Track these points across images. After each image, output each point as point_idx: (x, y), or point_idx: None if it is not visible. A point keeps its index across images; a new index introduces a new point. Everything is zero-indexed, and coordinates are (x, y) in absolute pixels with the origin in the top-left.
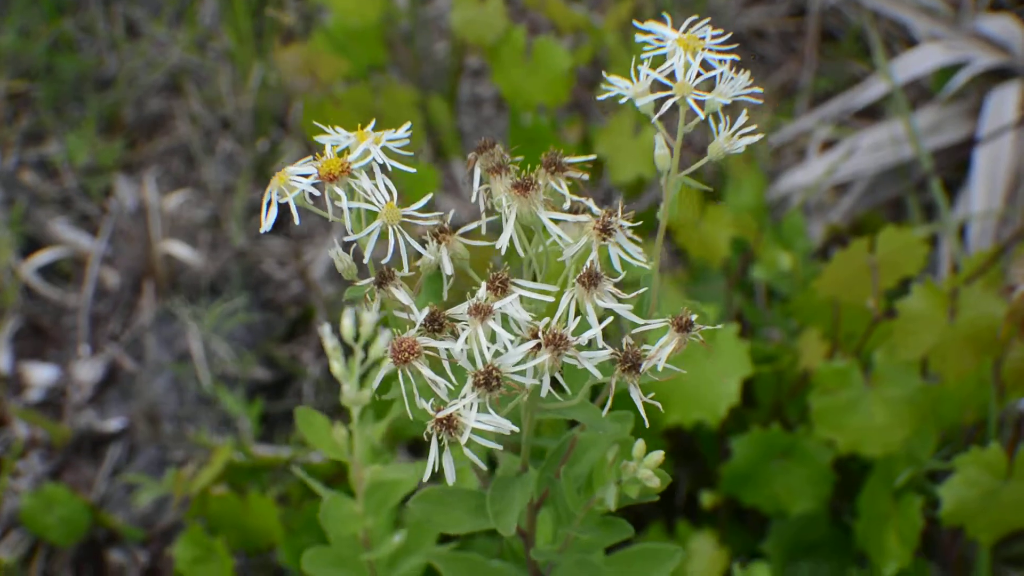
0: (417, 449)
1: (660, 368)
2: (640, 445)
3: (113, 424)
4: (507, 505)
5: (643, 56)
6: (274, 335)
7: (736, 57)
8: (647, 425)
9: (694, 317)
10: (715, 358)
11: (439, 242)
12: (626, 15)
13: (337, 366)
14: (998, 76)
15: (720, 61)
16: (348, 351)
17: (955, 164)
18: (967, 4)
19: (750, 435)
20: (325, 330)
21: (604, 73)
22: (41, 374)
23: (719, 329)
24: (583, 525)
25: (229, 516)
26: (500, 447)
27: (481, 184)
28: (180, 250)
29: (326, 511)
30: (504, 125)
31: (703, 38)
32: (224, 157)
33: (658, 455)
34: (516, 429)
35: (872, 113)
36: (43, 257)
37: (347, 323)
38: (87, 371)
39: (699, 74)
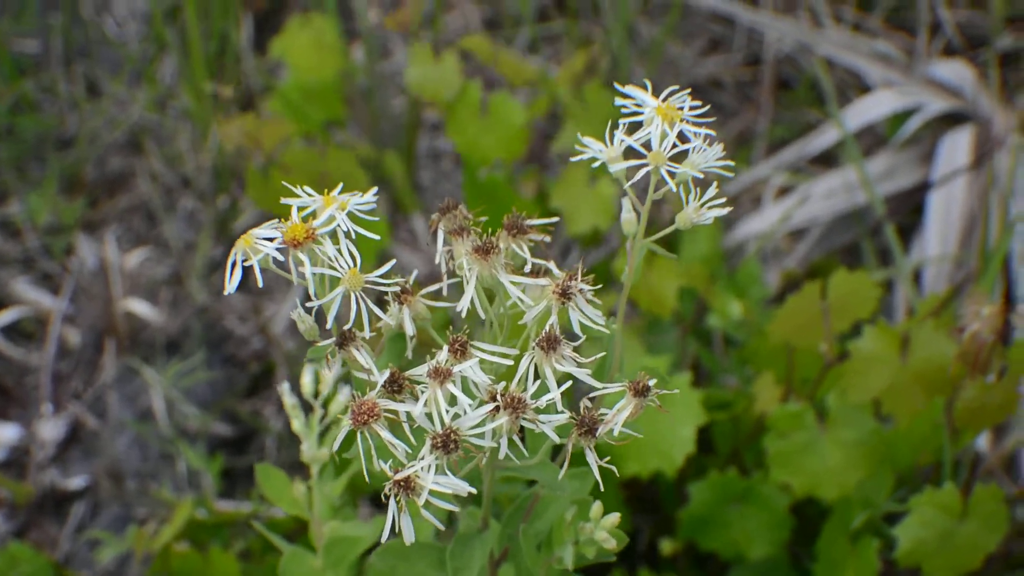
0: (378, 502)
1: (616, 433)
2: (597, 507)
3: (76, 482)
4: (467, 562)
5: (621, 120)
6: (236, 390)
7: (712, 133)
8: (602, 488)
9: (652, 382)
10: (669, 408)
11: (401, 303)
12: (580, 68)
13: (297, 423)
14: (951, 121)
15: (696, 134)
16: (308, 408)
17: (909, 209)
18: (920, 50)
19: (707, 481)
20: (284, 388)
21: (561, 126)
22: (4, 433)
23: (673, 379)
24: None
25: (191, 572)
26: (457, 508)
27: (444, 246)
28: (141, 308)
29: (286, 566)
30: (461, 177)
31: (681, 108)
32: (185, 214)
33: (614, 517)
34: (473, 491)
35: (827, 159)
36: (5, 317)
37: (307, 380)
38: (50, 430)
39: (674, 144)
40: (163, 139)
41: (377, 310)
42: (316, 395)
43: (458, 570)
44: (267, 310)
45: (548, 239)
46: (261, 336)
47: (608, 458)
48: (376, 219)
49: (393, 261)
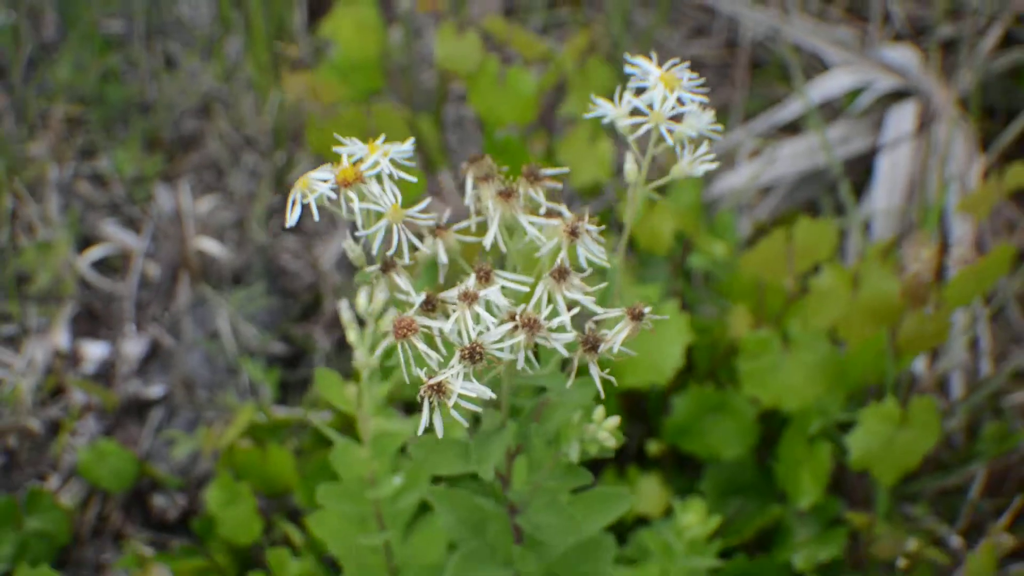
0: (410, 408)
1: (615, 351)
2: (600, 411)
3: (155, 391)
4: (487, 454)
5: (628, 85)
6: (290, 316)
7: (705, 99)
8: (603, 397)
9: (647, 309)
10: (661, 329)
11: (436, 237)
12: (583, 46)
13: (352, 335)
14: (898, 96)
15: (692, 100)
16: (361, 324)
17: (861, 170)
18: (873, 35)
19: (688, 394)
20: (343, 304)
21: (566, 96)
22: (94, 350)
23: (663, 305)
24: (551, 473)
25: (252, 466)
26: (480, 410)
27: (473, 190)
28: (210, 246)
29: (337, 454)
30: (482, 140)
31: (680, 78)
32: (247, 169)
33: (614, 420)
34: (494, 396)
35: (792, 128)
36: (95, 253)
37: (362, 300)
38: (133, 347)
39: (673, 107)
40: (229, 105)
41: (415, 240)
42: (368, 313)
43: (480, 460)
44: (317, 249)
45: (559, 186)
46: (312, 271)
47: (609, 370)
48: (413, 166)
49: (429, 199)
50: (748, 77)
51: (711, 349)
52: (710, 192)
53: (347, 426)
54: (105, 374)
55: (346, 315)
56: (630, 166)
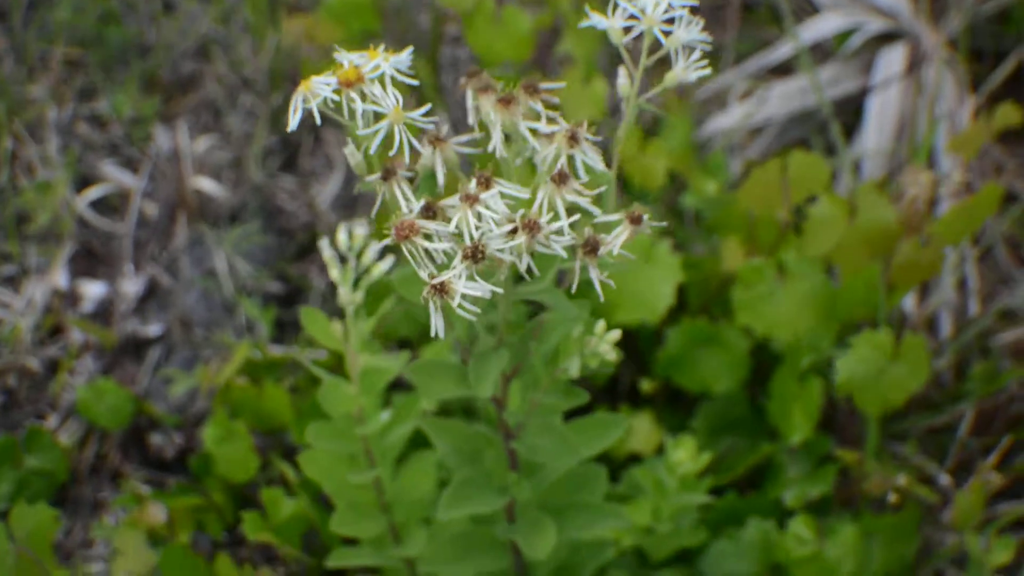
0: (404, 347)
1: (615, 252)
2: (602, 324)
3: (153, 330)
4: (485, 374)
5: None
6: (286, 255)
7: (695, 2)
8: (602, 299)
9: (645, 215)
10: (653, 268)
11: (434, 147)
12: None
13: (334, 272)
14: (888, 38)
15: (682, 6)
16: (343, 261)
17: (852, 111)
18: None
19: (680, 326)
20: (323, 243)
21: (561, 36)
22: (93, 289)
23: (656, 245)
24: (548, 391)
25: (248, 403)
26: (480, 312)
27: (472, 102)
28: (207, 185)
29: (325, 392)
30: None
31: None
32: (244, 110)
33: (615, 333)
34: (499, 291)
35: (783, 70)
36: (94, 192)
37: (342, 236)
38: (131, 286)
39: (665, 11)
40: (227, 47)
41: (416, 143)
42: (350, 249)
43: (478, 380)
44: (313, 188)
45: (557, 100)
46: (308, 210)
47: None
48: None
49: (430, 105)
50: (740, 19)
51: (703, 284)
52: (701, 133)
53: (339, 366)
54: (103, 313)
55: (327, 252)
56: (622, 80)
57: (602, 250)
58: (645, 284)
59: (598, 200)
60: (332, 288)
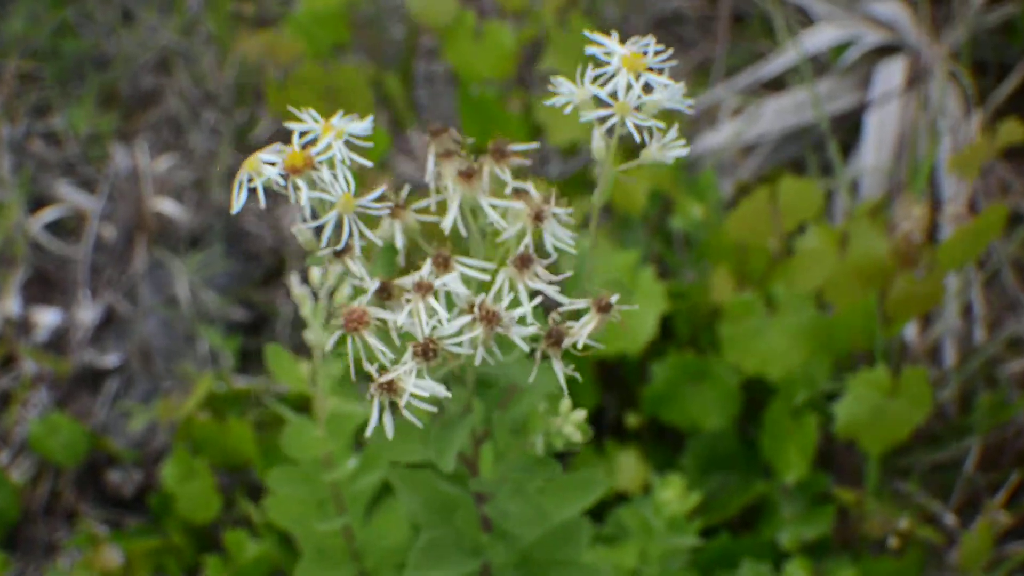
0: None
1: (580, 345)
2: (566, 404)
3: (110, 360)
4: (448, 443)
5: (588, 70)
6: (251, 281)
7: (675, 63)
8: (566, 387)
9: (614, 299)
10: (636, 297)
11: (393, 218)
12: (564, 0)
13: (305, 310)
14: (886, 51)
15: (660, 73)
16: (315, 297)
17: (849, 127)
18: None
19: (667, 360)
20: (293, 279)
21: (544, 51)
22: (47, 317)
23: (640, 271)
24: (517, 463)
25: (211, 439)
26: (435, 410)
27: (434, 167)
28: (168, 207)
29: (290, 436)
30: (454, 97)
31: (646, 54)
32: (208, 127)
33: (580, 414)
34: (449, 395)
35: (776, 85)
36: (49, 215)
37: (316, 273)
38: (87, 314)
39: (639, 96)
40: (189, 60)
41: (367, 232)
42: (323, 286)
43: (440, 451)
44: (280, 210)
45: (528, 163)
46: (274, 233)
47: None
48: (371, 144)
49: (384, 187)
50: (730, 31)
51: (691, 314)
52: (691, 151)
53: (307, 402)
54: (58, 342)
55: (298, 289)
56: (598, 144)
57: (567, 341)
58: (626, 313)
59: (573, 280)
60: (300, 315)
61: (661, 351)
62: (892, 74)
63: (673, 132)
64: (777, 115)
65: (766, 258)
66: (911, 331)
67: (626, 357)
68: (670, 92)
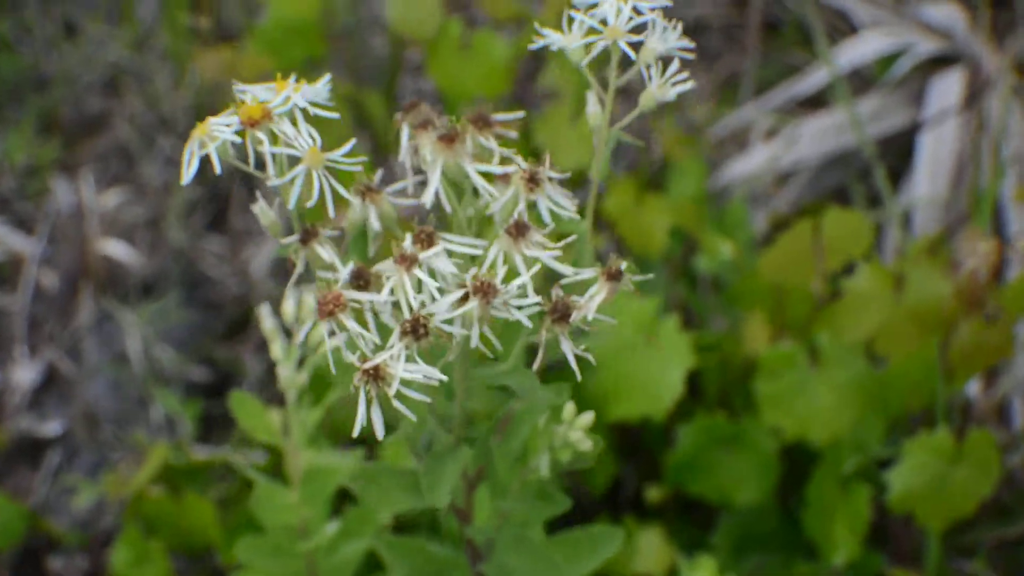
0: (355, 441)
1: (590, 318)
2: (570, 407)
3: (51, 428)
4: (439, 478)
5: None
6: (213, 335)
7: (668, 3)
8: (579, 378)
9: (624, 266)
10: (657, 350)
11: (366, 200)
12: (566, 4)
13: (276, 348)
14: (941, 62)
15: (651, 9)
16: (288, 336)
17: (899, 151)
18: None
19: (695, 424)
20: (265, 311)
21: (545, 65)
22: None
23: (662, 320)
24: (518, 497)
25: (165, 517)
26: (428, 399)
27: (409, 141)
28: (118, 249)
29: (260, 499)
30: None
31: None
32: (163, 155)
33: (588, 416)
34: (445, 378)
35: (815, 102)
36: None
37: (288, 306)
38: (25, 374)
39: (631, 19)
40: (141, 80)
41: (342, 190)
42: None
43: (432, 487)
44: (245, 252)
45: (515, 135)
46: (239, 279)
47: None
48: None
49: (354, 140)
50: (761, 41)
51: (721, 369)
52: (718, 180)
53: (278, 469)
54: None
55: (269, 324)
56: (592, 108)
57: (575, 315)
58: (648, 370)
59: (573, 255)
60: (270, 374)
61: (687, 413)
62: (948, 89)
63: (674, 66)
64: (816, 138)
65: (808, 303)
66: (975, 387)
67: (648, 421)
68: (668, 36)
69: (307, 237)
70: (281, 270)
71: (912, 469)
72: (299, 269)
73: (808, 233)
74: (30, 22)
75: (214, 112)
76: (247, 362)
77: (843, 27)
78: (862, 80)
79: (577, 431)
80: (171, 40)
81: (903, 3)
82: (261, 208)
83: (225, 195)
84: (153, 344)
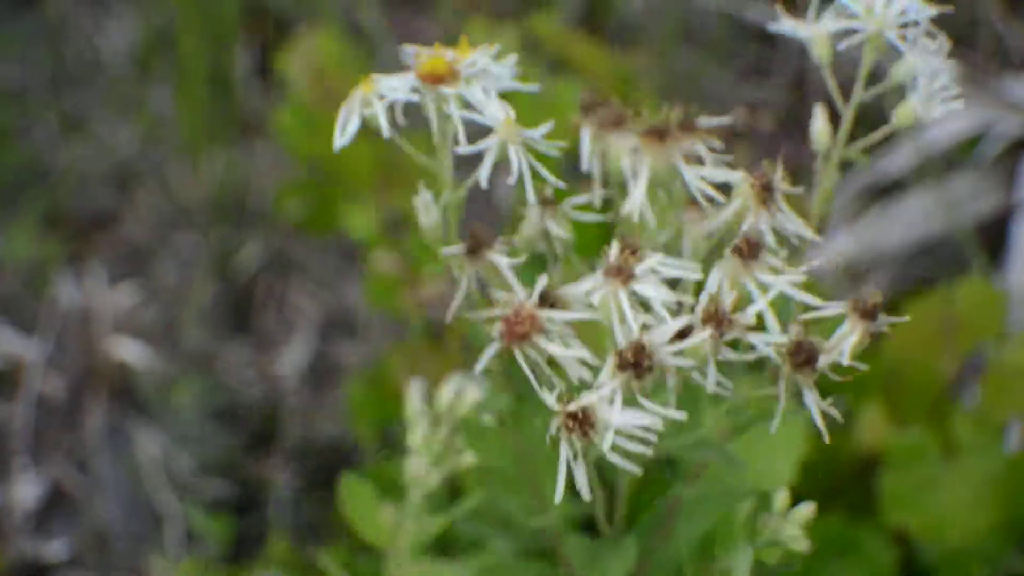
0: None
1: (844, 363)
2: (783, 495)
3: (57, 550)
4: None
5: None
6: (237, 447)
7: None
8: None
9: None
10: (766, 433)
11: (545, 209)
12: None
13: (416, 434)
14: None
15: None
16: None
17: (990, 237)
18: (983, 66)
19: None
20: (414, 384)
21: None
22: None
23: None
24: None
25: None
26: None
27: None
28: (130, 353)
29: None
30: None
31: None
32: (178, 251)
33: (810, 507)
34: (681, 416)
35: (897, 186)
36: None
37: (448, 390)
38: (28, 490)
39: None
40: (154, 170)
41: (545, 172)
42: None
43: None
44: (272, 355)
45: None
46: (266, 385)
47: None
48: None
49: (552, 123)
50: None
51: (829, 464)
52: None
53: None
54: None
55: (415, 402)
56: (819, 124)
57: (823, 360)
58: (754, 455)
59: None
60: (305, 490)
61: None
62: None
63: (944, 78)
64: (902, 225)
65: (936, 385)
66: None
67: None
68: (929, 50)
69: (477, 246)
70: (310, 376)
71: None
72: (463, 287)
73: (938, 307)
74: (35, 112)
75: (237, 203)
76: (274, 477)
77: None
78: (943, 162)
79: (792, 525)
80: (187, 129)
81: (980, 78)
82: (424, 203)
83: (247, 294)
84: (170, 457)
